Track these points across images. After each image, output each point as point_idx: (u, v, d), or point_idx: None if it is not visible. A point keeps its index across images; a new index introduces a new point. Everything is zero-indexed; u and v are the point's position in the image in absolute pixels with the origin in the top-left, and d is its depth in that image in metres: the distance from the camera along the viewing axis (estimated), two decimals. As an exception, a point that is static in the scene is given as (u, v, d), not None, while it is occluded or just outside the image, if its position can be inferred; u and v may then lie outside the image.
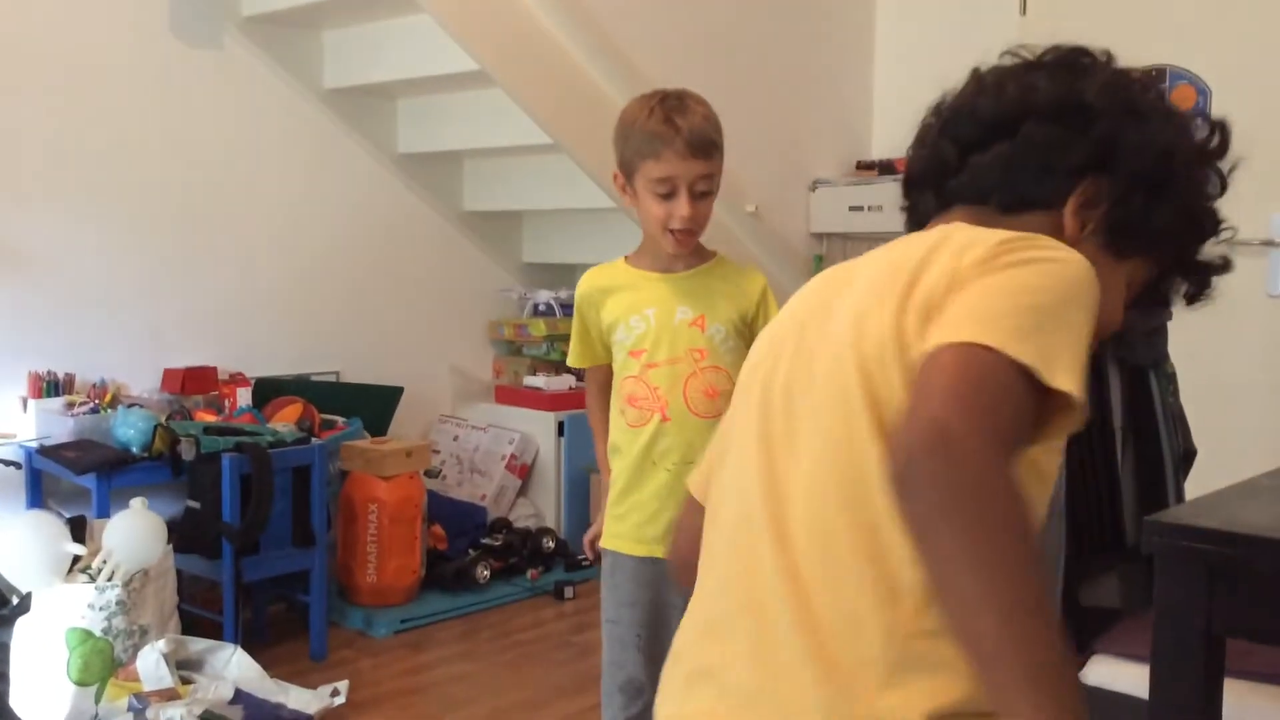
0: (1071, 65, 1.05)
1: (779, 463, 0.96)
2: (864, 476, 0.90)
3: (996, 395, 0.82)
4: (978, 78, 1.08)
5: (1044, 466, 0.94)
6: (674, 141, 1.91)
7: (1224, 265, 1.10)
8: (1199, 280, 1.11)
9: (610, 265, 2.13)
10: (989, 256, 0.91)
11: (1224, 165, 1.09)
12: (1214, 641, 1.32)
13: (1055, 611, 0.81)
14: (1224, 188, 1.09)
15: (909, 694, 0.86)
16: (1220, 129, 1.08)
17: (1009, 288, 0.88)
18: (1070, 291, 0.89)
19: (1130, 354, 2.02)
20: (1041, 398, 0.85)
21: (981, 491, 0.78)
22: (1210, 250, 1.09)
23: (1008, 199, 1.03)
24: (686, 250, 2.01)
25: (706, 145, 1.93)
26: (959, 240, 0.94)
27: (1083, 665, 1.81)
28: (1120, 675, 1.77)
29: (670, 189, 1.93)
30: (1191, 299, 1.12)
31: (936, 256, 0.93)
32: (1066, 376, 0.84)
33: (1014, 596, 0.78)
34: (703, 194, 1.95)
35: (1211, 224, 1.08)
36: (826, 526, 0.91)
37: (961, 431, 0.78)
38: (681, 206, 1.93)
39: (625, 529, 2.08)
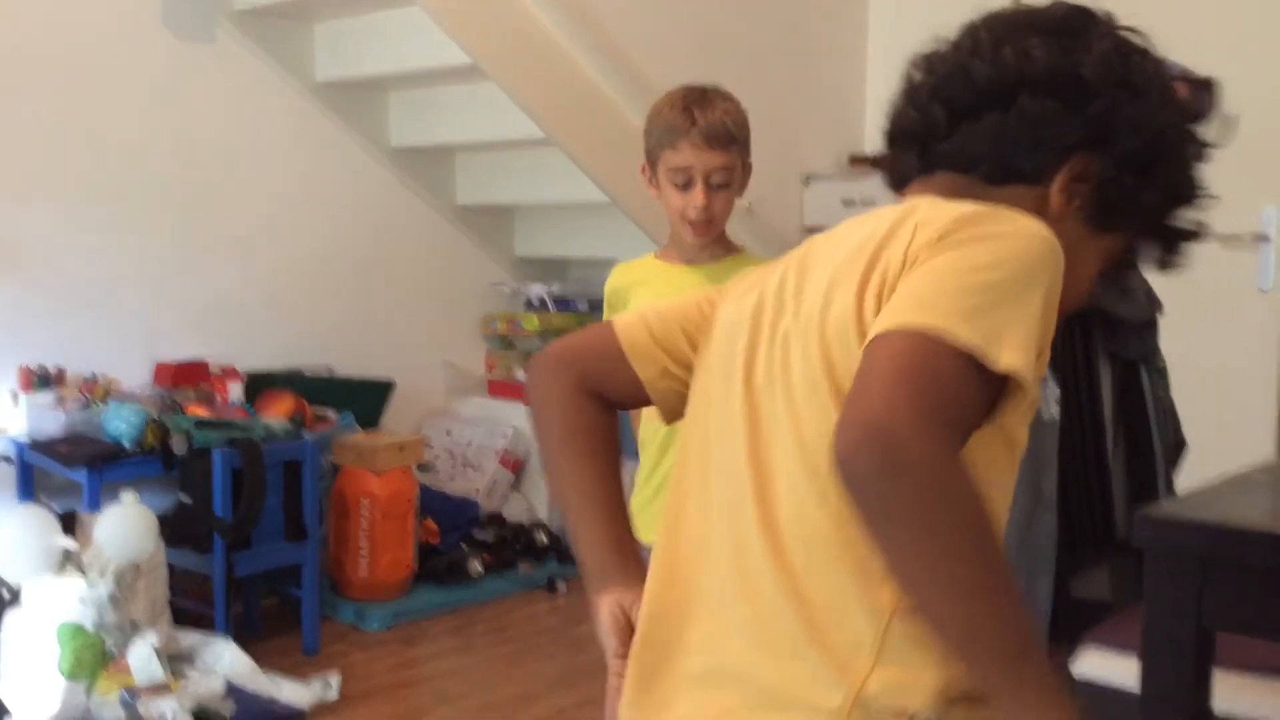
0: (1071, 30, 1.01)
1: (766, 449, 0.96)
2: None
3: (941, 386, 0.82)
4: (973, 34, 1.04)
5: (1014, 433, 0.93)
6: (690, 133, 1.94)
7: (1197, 232, 1.07)
8: (1172, 247, 1.07)
9: (639, 260, 2.16)
10: (942, 234, 0.90)
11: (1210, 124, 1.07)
12: (1204, 634, 1.33)
13: (1018, 591, 0.83)
14: (1200, 153, 1.06)
15: (905, 672, 0.87)
16: (1206, 89, 1.07)
17: (957, 267, 0.87)
18: (1023, 266, 0.88)
19: (1122, 348, 2.03)
20: (991, 377, 0.84)
21: (931, 493, 0.79)
22: (1186, 217, 1.06)
23: (995, 171, 1.01)
24: (705, 240, 2.02)
25: (723, 137, 1.95)
26: (917, 217, 0.93)
27: (1072, 656, 1.82)
28: (1111, 667, 1.78)
29: (687, 179, 1.96)
30: (1164, 265, 1.08)
31: (896, 235, 0.92)
32: (1013, 355, 0.83)
33: (973, 585, 0.81)
34: (720, 186, 1.98)
35: (1191, 191, 1.05)
36: (805, 516, 0.91)
37: (907, 433, 0.78)
38: (696, 197, 1.96)
39: (647, 520, 2.07)
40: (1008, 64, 1.00)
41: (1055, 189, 1.00)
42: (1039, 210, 0.98)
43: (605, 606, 1.06)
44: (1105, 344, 2.02)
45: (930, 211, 0.94)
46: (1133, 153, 1.00)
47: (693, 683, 0.97)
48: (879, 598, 0.88)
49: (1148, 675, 1.35)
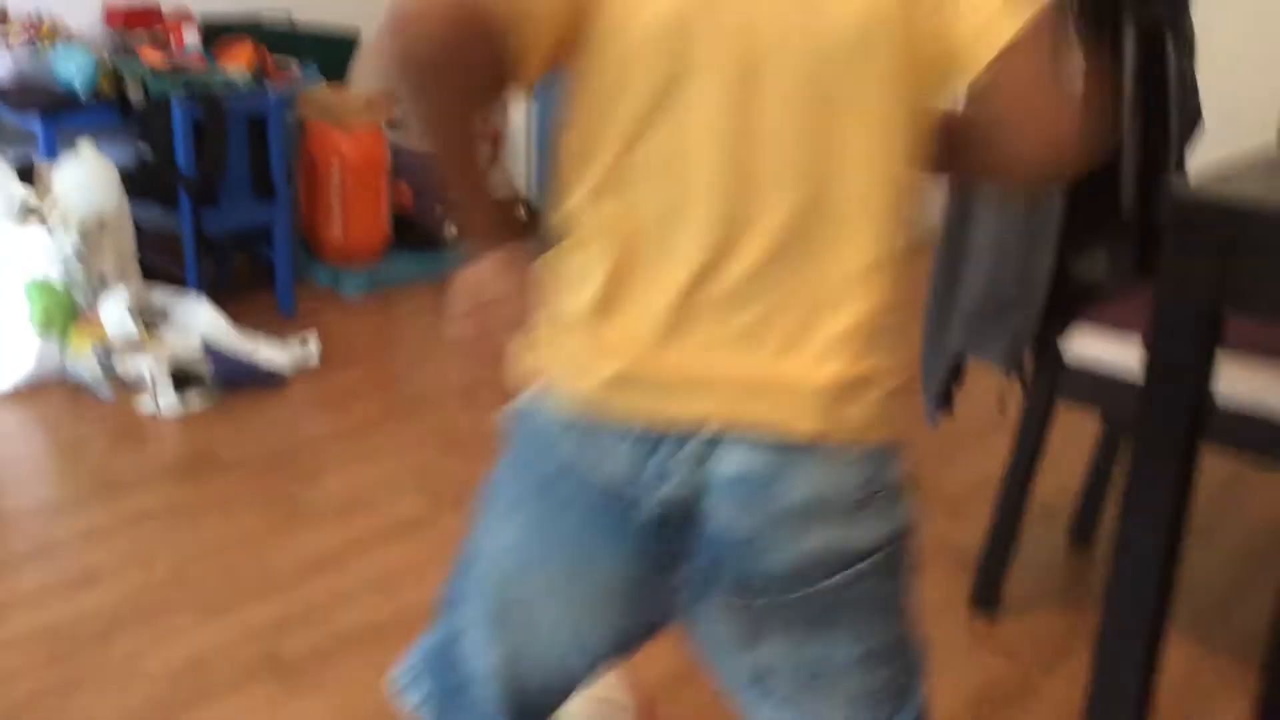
0: None
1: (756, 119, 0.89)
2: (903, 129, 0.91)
3: None
4: None
5: None
6: None
7: None
8: None
9: None
10: None
11: None
12: (1215, 316, 1.29)
13: None
14: None
15: (876, 364, 0.94)
16: None
17: None
18: None
19: (1145, 13, 1.88)
20: None
21: None
22: None
23: None
24: None
25: None
26: None
27: (1064, 333, 1.81)
28: (1103, 346, 1.77)
29: None
30: None
31: None
32: None
33: None
34: None
35: None
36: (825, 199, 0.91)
37: None
38: None
39: None
40: None
41: None
42: None
43: (512, 257, 1.09)
44: (1133, 9, 1.87)
45: None
46: None
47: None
48: (873, 291, 0.93)
49: (1154, 354, 1.32)
